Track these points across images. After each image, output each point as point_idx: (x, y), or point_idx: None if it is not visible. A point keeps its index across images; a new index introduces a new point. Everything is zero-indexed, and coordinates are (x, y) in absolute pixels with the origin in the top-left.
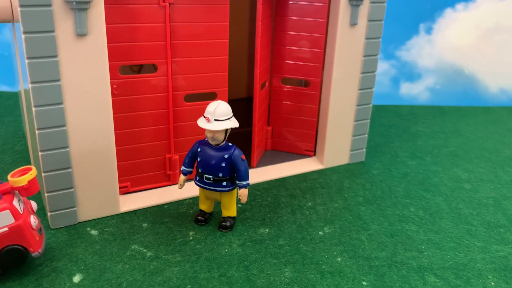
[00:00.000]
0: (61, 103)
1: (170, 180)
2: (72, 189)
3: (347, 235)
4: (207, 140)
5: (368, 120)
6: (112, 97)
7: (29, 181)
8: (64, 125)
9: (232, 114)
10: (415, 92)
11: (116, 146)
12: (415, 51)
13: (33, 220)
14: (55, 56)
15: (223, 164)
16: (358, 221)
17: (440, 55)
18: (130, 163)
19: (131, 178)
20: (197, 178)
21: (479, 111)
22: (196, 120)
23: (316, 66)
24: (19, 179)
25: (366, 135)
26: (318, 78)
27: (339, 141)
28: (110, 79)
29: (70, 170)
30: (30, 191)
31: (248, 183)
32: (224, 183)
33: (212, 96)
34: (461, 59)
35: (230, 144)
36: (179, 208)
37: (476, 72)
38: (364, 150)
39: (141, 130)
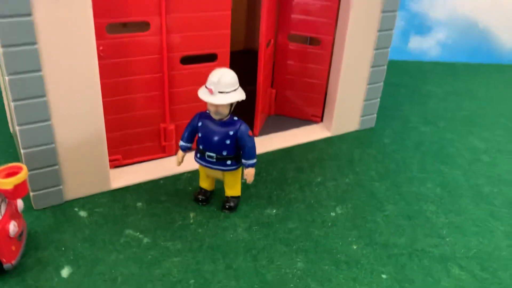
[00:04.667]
0: (39, 70)
1: (165, 152)
2: (57, 166)
3: (361, 216)
4: (209, 113)
5: (382, 83)
6: (98, 60)
7: (15, 185)
8: (44, 96)
9: (238, 85)
10: (425, 46)
11: (104, 116)
12: (427, 2)
13: (13, 228)
14: (29, 15)
15: (228, 142)
16: (372, 199)
17: (453, 7)
18: (121, 134)
19: (123, 150)
20: (198, 155)
21: (492, 69)
22: (194, 85)
23: (328, 23)
24: (3, 181)
25: (378, 100)
26: (330, 36)
27: (350, 106)
28: (96, 40)
29: (53, 145)
30: (16, 195)
31: (256, 162)
32: (229, 162)
33: (212, 58)
34: (475, 12)
35: (235, 118)
36: (177, 183)
37: (491, 26)
38: (375, 115)
39: (132, 97)
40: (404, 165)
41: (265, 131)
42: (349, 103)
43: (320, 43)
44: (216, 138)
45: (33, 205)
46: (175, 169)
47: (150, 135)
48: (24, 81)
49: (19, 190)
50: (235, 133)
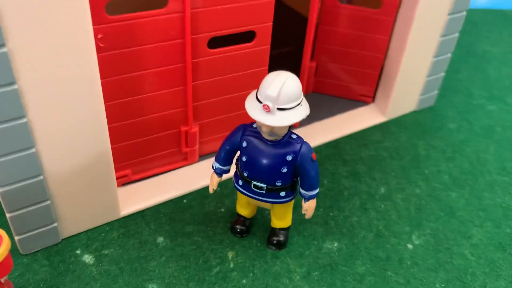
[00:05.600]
0: (13, 83)
1: (187, 160)
2: (48, 201)
3: (445, 249)
4: (256, 128)
5: (450, 54)
6: (97, 53)
7: None
8: (23, 116)
9: (302, 95)
10: None
11: (108, 124)
12: None
13: None
14: None
15: (285, 170)
16: (452, 220)
17: None
18: (129, 144)
19: (132, 164)
20: (240, 182)
21: None
22: (225, 74)
23: None
24: None
25: (443, 74)
26: None
27: (410, 83)
28: (93, 25)
29: (41, 177)
30: None
31: (318, 192)
32: (283, 193)
33: (249, 37)
34: None
35: (294, 136)
36: (204, 203)
37: None
38: (436, 92)
39: (143, 98)
40: (479, 163)
41: None
42: (411, 80)
43: (381, 6)
44: (268, 165)
45: (20, 250)
46: (200, 182)
47: (167, 141)
48: None
49: (0, 269)
50: (295, 158)
